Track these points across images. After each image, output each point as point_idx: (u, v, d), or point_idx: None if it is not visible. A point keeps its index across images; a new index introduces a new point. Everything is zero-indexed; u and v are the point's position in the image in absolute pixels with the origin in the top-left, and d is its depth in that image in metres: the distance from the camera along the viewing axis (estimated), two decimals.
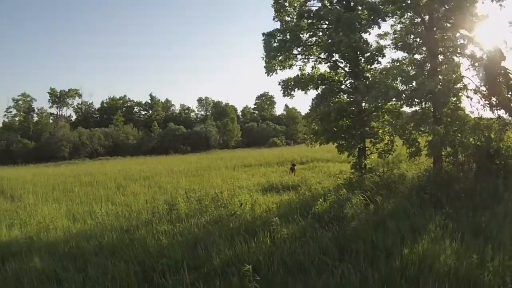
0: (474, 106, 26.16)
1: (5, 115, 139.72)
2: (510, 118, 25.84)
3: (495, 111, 25.46)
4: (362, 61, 28.92)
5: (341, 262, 12.11)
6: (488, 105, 25.64)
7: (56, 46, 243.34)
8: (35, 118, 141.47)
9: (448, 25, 26.08)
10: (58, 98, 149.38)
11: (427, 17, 26.62)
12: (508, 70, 25.05)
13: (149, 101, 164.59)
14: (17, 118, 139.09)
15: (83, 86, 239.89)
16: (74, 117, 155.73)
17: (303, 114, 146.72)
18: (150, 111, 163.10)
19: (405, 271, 11.21)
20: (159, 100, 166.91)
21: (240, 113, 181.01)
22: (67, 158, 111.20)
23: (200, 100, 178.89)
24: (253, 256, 13.01)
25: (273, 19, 31.40)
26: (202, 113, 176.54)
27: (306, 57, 30.92)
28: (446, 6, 25.45)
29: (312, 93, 30.64)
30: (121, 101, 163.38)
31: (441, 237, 13.61)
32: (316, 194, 23.95)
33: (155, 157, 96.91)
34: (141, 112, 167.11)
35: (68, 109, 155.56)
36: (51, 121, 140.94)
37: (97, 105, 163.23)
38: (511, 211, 16.39)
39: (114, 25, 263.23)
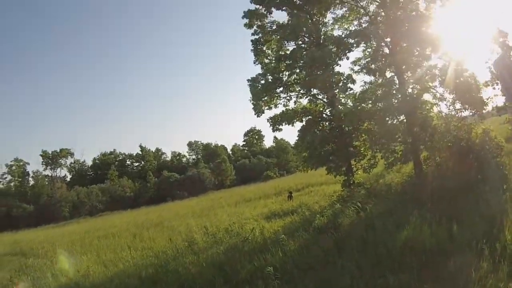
0: (443, 112, 29.86)
1: (0, 181, 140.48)
2: (475, 116, 29.36)
3: (461, 113, 29.00)
4: (337, 91, 32.45)
5: (339, 258, 15.42)
6: (454, 109, 29.25)
7: (36, 107, 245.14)
8: (31, 182, 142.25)
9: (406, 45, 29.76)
10: (51, 159, 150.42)
11: (388, 39, 30.38)
12: (466, 74, 28.72)
13: (140, 152, 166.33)
14: (12, 184, 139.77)
15: (73, 145, 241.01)
16: (69, 176, 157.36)
17: (291, 143, 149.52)
18: (143, 162, 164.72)
19: (391, 254, 14.41)
20: (149, 150, 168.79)
21: (231, 152, 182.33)
22: (68, 218, 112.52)
23: (190, 144, 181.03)
24: (270, 266, 15.92)
25: (254, 63, 35.07)
26: (194, 157, 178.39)
27: (288, 94, 34.45)
28: (402, 29, 29.24)
29: (298, 124, 34.23)
30: (112, 156, 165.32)
31: (420, 225, 16.64)
32: (314, 212, 27.23)
33: (155, 206, 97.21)
34: (134, 164, 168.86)
35: (62, 169, 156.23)
36: (47, 183, 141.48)
37: (89, 162, 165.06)
38: (480, 197, 19.29)
39: (93, 79, 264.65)
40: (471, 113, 29.26)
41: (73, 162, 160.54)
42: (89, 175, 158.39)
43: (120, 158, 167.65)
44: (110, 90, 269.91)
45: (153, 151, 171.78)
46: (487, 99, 28.74)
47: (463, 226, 15.61)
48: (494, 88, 48.07)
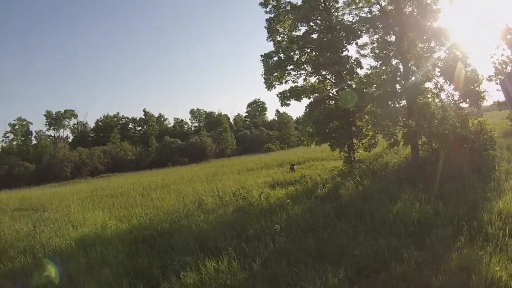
0: (442, 101, 31.83)
1: (3, 140, 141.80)
2: (472, 108, 31.24)
3: (459, 103, 30.96)
4: (344, 73, 34.27)
5: (338, 222, 17.60)
6: (452, 100, 31.24)
7: (43, 67, 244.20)
8: (34, 141, 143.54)
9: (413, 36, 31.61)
10: (55, 120, 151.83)
11: (396, 29, 32.21)
12: (468, 68, 30.64)
13: (143, 117, 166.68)
14: (15, 143, 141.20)
15: (77, 107, 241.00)
16: (71, 137, 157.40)
17: (294, 118, 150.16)
18: (145, 127, 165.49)
19: (384, 223, 16.54)
20: (152, 115, 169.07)
21: (233, 122, 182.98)
22: (69, 178, 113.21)
23: (192, 112, 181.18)
24: (276, 226, 18.02)
25: (267, 39, 36.82)
26: (196, 124, 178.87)
27: (298, 72, 36.26)
28: (410, 21, 31.08)
29: (305, 101, 36.15)
30: (115, 119, 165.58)
31: (411, 201, 18.89)
32: (316, 183, 29.21)
33: (156, 171, 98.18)
34: (136, 128, 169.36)
35: (65, 130, 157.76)
36: (49, 143, 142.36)
37: (92, 125, 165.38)
38: (468, 183, 21.39)
39: (100, 41, 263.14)
40: (468, 105, 30.99)
41: (76, 123, 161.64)
42: (91, 137, 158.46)
43: (123, 121, 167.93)
44: (117, 54, 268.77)
45: (156, 116, 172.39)
46: (484, 93, 30.51)
47: (448, 206, 17.69)
48: (497, 83, 50.56)
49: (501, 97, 55.93)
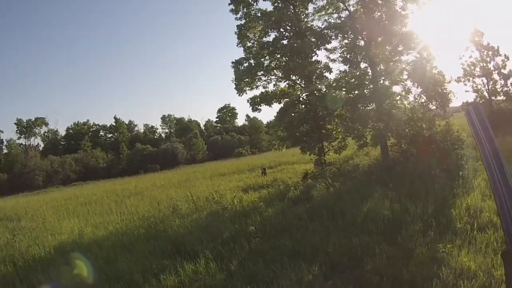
0: (410, 103, 32.60)
1: None
2: (439, 109, 32.01)
3: (426, 105, 31.73)
4: (314, 77, 34.86)
5: (311, 223, 18.05)
6: (420, 101, 32.01)
7: (12, 73, 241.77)
8: (5, 150, 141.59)
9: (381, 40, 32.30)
10: (26, 128, 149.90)
11: (365, 33, 32.89)
12: (435, 71, 31.45)
13: (114, 124, 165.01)
14: None
15: (48, 114, 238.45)
16: (42, 145, 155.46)
17: (265, 122, 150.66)
18: (116, 134, 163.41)
19: (355, 222, 17.04)
20: (123, 122, 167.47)
21: (203, 127, 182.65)
22: (41, 186, 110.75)
23: (163, 118, 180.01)
24: (250, 227, 18.42)
25: (237, 45, 37.21)
26: (166, 130, 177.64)
27: (268, 77, 36.54)
28: (378, 25, 31.77)
29: (276, 106, 36.63)
30: (85, 126, 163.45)
31: (382, 200, 19.49)
32: (288, 186, 29.72)
33: (128, 178, 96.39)
34: (107, 135, 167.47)
35: (36, 139, 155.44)
36: (20, 151, 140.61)
37: (62, 132, 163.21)
38: (437, 182, 22.30)
39: (67, 47, 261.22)
40: (435, 107, 31.75)
41: (47, 131, 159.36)
42: (62, 145, 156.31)
43: (94, 129, 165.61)
44: (85, 60, 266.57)
45: (127, 123, 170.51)
46: (450, 94, 31.37)
47: (418, 204, 18.19)
48: (465, 84, 51.73)
49: (469, 98, 57.34)
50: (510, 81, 55.14)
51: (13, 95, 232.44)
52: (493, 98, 55.99)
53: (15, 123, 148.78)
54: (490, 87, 55.98)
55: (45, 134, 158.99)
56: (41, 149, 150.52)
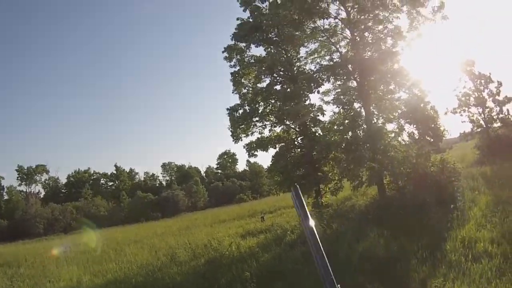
0: (404, 141, 32.82)
1: None
2: (432, 145, 32.14)
3: (420, 141, 31.86)
4: (308, 121, 35.17)
5: (306, 266, 18.07)
6: (414, 139, 32.19)
7: (14, 121, 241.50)
8: (5, 196, 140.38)
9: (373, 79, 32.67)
10: (26, 175, 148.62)
11: (357, 74, 33.28)
12: (427, 106, 31.75)
13: (115, 172, 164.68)
14: None
15: (49, 161, 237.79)
16: (43, 193, 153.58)
17: (265, 167, 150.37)
18: (117, 182, 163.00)
19: (350, 262, 17.09)
20: (124, 169, 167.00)
21: (204, 174, 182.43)
22: (42, 234, 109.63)
23: (164, 166, 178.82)
24: (246, 273, 18.49)
25: (233, 92, 37.63)
26: (167, 178, 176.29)
27: (263, 123, 36.78)
28: (370, 65, 32.18)
29: (272, 151, 36.85)
30: (86, 174, 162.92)
31: (377, 239, 19.58)
32: (286, 230, 29.77)
33: (129, 226, 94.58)
34: (108, 183, 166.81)
35: (37, 186, 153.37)
36: (21, 198, 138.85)
37: (63, 180, 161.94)
38: (432, 216, 22.38)
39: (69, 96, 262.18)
40: (429, 143, 31.88)
41: (48, 178, 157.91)
42: (63, 193, 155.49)
43: (95, 177, 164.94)
44: (87, 108, 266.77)
45: (127, 171, 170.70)
46: (444, 130, 31.63)
47: (413, 239, 18.29)
48: (461, 115, 52.15)
49: (466, 128, 57.74)
50: (506, 107, 55.49)
51: (14, 141, 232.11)
52: (489, 125, 56.16)
53: (16, 170, 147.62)
54: (486, 115, 56.25)
55: (46, 181, 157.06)
56: (42, 197, 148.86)
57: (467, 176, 32.44)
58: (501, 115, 55.42)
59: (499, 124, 55.94)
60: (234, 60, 37.11)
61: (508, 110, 55.41)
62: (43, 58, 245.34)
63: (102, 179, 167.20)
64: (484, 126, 56.00)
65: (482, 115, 56.33)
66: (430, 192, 27.03)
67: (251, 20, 37.74)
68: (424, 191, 27.37)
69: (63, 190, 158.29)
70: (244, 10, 38.09)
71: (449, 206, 23.90)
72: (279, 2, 36.70)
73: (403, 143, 32.78)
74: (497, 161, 39.30)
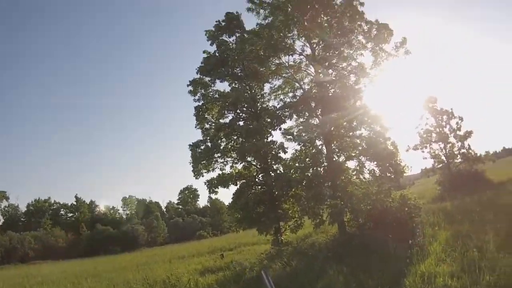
0: (364, 178, 32.83)
1: None
2: (393, 181, 32.18)
3: (381, 178, 31.89)
4: (269, 158, 35.07)
5: None
6: (374, 176, 32.22)
7: None
8: None
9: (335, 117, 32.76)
10: None
11: (319, 111, 33.37)
12: (388, 142, 31.86)
13: (75, 203, 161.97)
14: None
15: (9, 188, 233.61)
16: (1, 220, 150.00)
17: (226, 203, 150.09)
18: (77, 213, 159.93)
19: None
20: (84, 201, 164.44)
21: (165, 209, 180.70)
22: None
23: (124, 199, 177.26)
24: None
25: (196, 127, 37.33)
26: (127, 212, 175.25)
27: (225, 159, 36.60)
28: (332, 103, 32.33)
29: (233, 187, 36.58)
30: (46, 204, 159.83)
31: (337, 276, 19.25)
32: (245, 267, 29.38)
33: (88, 259, 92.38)
34: (68, 214, 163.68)
35: None
36: None
37: (23, 208, 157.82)
38: (392, 251, 22.18)
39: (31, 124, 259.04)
40: (390, 179, 31.94)
41: (7, 205, 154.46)
42: (22, 221, 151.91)
43: (55, 207, 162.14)
44: (50, 137, 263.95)
45: (88, 203, 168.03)
46: (404, 167, 31.75)
47: (373, 276, 17.93)
48: (422, 151, 52.90)
49: (428, 164, 58.73)
50: (467, 142, 56.40)
51: None
52: (451, 161, 56.91)
53: None
54: (447, 151, 57.11)
55: (5, 208, 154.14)
56: (0, 224, 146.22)
57: (427, 211, 32.72)
58: (462, 150, 56.39)
59: (460, 159, 56.87)
60: (198, 94, 37.06)
61: (469, 145, 56.60)
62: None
63: (62, 209, 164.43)
64: (446, 161, 56.92)
65: (444, 150, 57.37)
66: (390, 228, 26.99)
67: (217, 54, 37.81)
68: (384, 228, 27.30)
69: (22, 219, 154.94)
70: (211, 44, 38.30)
71: (409, 241, 23.75)
72: (246, 36, 36.73)
73: (364, 180, 32.79)
74: (458, 196, 39.75)
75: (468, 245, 19.58)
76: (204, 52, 38.64)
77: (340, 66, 33.95)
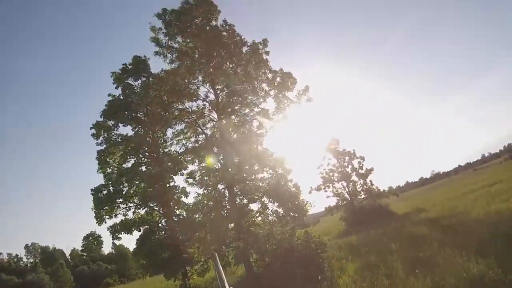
0: (268, 219, 32.77)
1: None
2: (297, 220, 32.26)
3: (284, 218, 31.90)
4: (172, 203, 34.56)
5: None
6: (278, 216, 32.18)
7: None
8: None
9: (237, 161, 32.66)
10: None
11: (221, 156, 33.22)
12: (290, 183, 31.95)
13: None
14: None
15: None
16: None
17: (131, 249, 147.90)
18: None
19: None
20: None
21: (69, 257, 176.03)
22: None
23: (27, 247, 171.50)
24: None
25: (97, 171, 36.32)
26: (31, 260, 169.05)
27: (127, 205, 35.71)
28: (234, 147, 32.27)
29: (137, 233, 35.71)
30: None
31: None
32: None
33: None
34: None
35: None
36: None
37: None
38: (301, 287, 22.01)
39: None
40: (293, 219, 32.00)
41: None
42: None
43: None
44: None
45: None
46: (306, 205, 31.93)
47: None
48: (325, 191, 53.84)
49: (331, 202, 59.96)
50: (369, 179, 57.77)
51: None
52: (354, 197, 58.15)
53: None
54: (350, 188, 58.30)
55: None
56: None
57: (333, 247, 32.85)
58: (365, 187, 57.79)
59: (363, 195, 58.31)
60: (101, 138, 36.19)
61: (371, 181, 58.06)
62: None
63: None
64: (349, 198, 58.00)
65: (347, 188, 58.64)
66: (297, 266, 26.88)
67: (122, 97, 37.14)
68: (292, 266, 27.20)
69: None
70: (117, 87, 37.65)
71: (318, 277, 23.62)
72: (150, 80, 36.26)
73: (267, 220, 32.73)
74: (363, 229, 40.26)
75: (378, 274, 19.62)
76: (109, 95, 37.87)
77: (243, 112, 34.34)
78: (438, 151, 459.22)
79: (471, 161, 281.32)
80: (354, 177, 59.51)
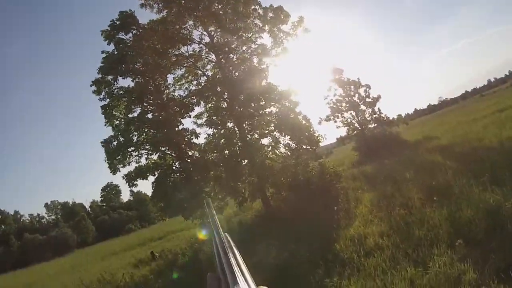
0: (281, 152, 33.00)
1: None
2: (310, 152, 32.45)
3: (297, 151, 32.13)
4: (183, 145, 34.73)
5: (201, 286, 17.55)
6: (291, 149, 32.41)
7: None
8: None
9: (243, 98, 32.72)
10: None
11: (226, 95, 33.31)
12: (299, 116, 32.10)
13: None
14: None
15: None
16: None
17: (149, 194, 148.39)
18: (2, 226, 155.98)
19: None
20: (8, 213, 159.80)
21: (89, 209, 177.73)
22: None
23: (47, 205, 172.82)
24: None
25: (105, 125, 36.31)
26: (53, 217, 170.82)
27: (139, 152, 35.72)
28: (237, 85, 32.27)
29: (152, 178, 35.98)
30: None
31: (267, 250, 19.17)
32: (176, 254, 29.21)
33: (21, 270, 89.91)
34: None
35: None
36: None
37: None
38: (318, 219, 22.27)
39: None
40: (306, 151, 32.18)
41: None
42: None
43: None
44: None
45: (12, 214, 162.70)
46: (318, 137, 32.03)
47: (303, 245, 17.99)
48: (335, 121, 53.68)
49: (342, 133, 59.51)
50: (377, 107, 57.23)
51: None
52: (364, 127, 57.67)
53: None
54: (360, 118, 57.76)
55: None
56: None
57: (348, 177, 33.01)
58: (374, 116, 57.17)
59: (373, 124, 57.65)
60: (103, 93, 35.97)
61: (379, 109, 57.38)
62: None
63: None
64: (359, 128, 57.50)
65: (356, 118, 57.93)
66: (313, 197, 27.19)
67: (116, 52, 36.91)
68: (308, 198, 27.47)
69: None
70: (109, 44, 37.15)
71: (334, 208, 23.87)
72: (140, 31, 36.04)
73: (280, 154, 32.95)
74: (377, 159, 40.24)
75: (394, 204, 19.79)
76: (102, 52, 37.29)
77: (241, 49, 34.08)
78: (443, 77, 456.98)
79: (477, 87, 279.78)
80: (363, 106, 58.65)
